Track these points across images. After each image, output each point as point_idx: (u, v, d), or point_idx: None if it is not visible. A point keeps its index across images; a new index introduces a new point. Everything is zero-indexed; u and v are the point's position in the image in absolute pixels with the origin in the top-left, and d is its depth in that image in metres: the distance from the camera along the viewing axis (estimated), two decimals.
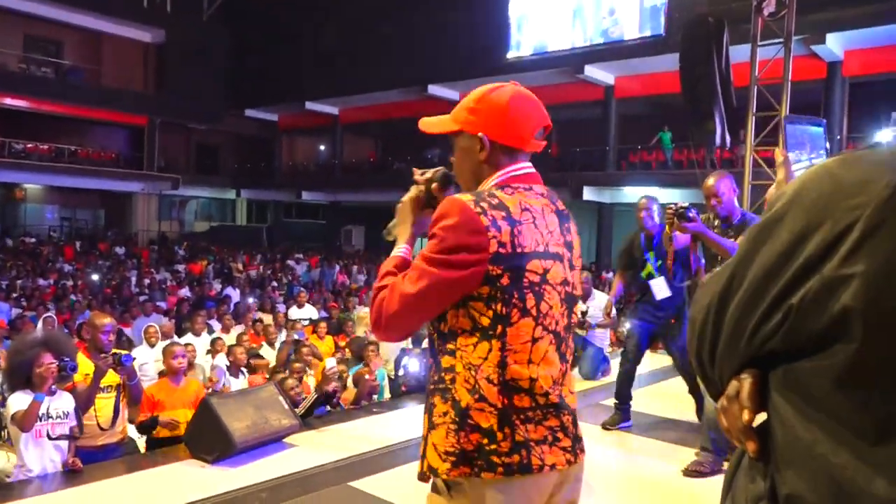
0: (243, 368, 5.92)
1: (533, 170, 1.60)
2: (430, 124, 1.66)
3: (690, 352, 0.93)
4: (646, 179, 18.58)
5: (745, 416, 0.81)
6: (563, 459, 1.49)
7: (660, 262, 4.42)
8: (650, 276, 4.46)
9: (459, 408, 1.44)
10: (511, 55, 20.05)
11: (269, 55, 25.78)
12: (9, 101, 23.25)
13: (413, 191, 1.66)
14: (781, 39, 8.16)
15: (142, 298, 11.58)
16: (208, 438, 3.92)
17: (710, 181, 3.78)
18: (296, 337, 7.67)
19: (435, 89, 22.34)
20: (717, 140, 7.95)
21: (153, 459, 4.05)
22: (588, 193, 19.59)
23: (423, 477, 1.52)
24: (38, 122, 24.94)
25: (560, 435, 1.49)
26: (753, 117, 8.46)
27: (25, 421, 3.65)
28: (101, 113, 25.69)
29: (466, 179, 1.62)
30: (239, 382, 5.71)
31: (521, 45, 20.00)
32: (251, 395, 4.31)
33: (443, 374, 1.49)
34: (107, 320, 4.30)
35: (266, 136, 30.07)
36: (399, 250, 1.61)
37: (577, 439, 1.55)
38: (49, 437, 3.74)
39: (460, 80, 21.72)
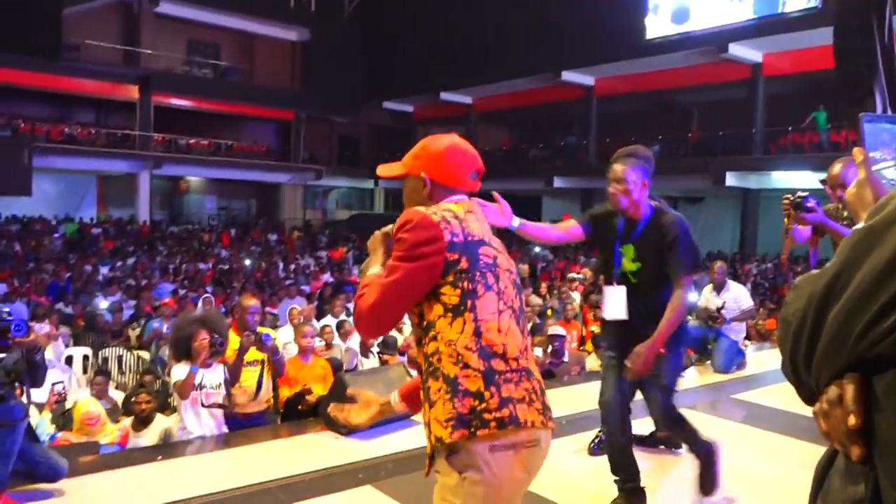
0: (373, 349, 6.21)
1: (467, 198, 1.89)
2: (386, 169, 1.96)
3: (784, 353, 0.91)
4: (798, 163, 17.30)
5: (852, 420, 0.79)
6: (539, 419, 1.66)
7: (638, 266, 3.06)
8: (609, 282, 3.18)
9: (449, 379, 1.63)
10: (650, 35, 19.32)
11: (404, 49, 26.49)
12: (175, 101, 25.58)
13: (381, 231, 1.90)
14: None
15: (288, 282, 12.41)
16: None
17: (837, 169, 3.42)
18: None
19: (569, 75, 22.00)
20: None
21: (293, 429, 4.38)
22: (731, 179, 18.55)
23: (431, 451, 1.68)
24: (199, 119, 27.23)
25: (534, 397, 1.68)
26: None
27: (184, 390, 4.11)
28: (254, 109, 27.63)
29: None
30: (370, 362, 6.01)
31: (661, 25, 19.21)
32: (381, 374, 4.54)
33: (430, 359, 1.69)
34: (252, 302, 4.69)
35: (403, 126, 30.97)
36: (373, 271, 1.79)
37: (546, 408, 1.72)
38: (202, 405, 4.17)
39: (595, 65, 21.25)
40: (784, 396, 5.15)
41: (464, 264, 1.68)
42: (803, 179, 15.76)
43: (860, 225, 0.83)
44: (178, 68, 26.41)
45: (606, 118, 23.21)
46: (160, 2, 23.90)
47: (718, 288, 6.42)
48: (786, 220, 3.38)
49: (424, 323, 1.71)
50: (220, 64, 27.78)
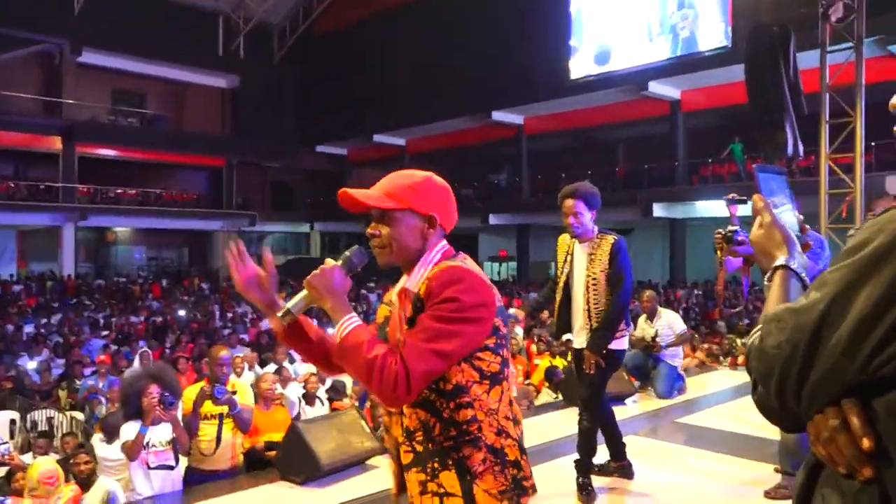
0: (320, 395, 6.13)
1: None
2: (366, 196, 1.69)
3: (766, 384, 0.93)
4: (719, 192, 18.00)
5: (866, 443, 0.83)
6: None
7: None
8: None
9: (495, 449, 1.58)
10: (575, 75, 20.10)
11: (336, 93, 26.68)
12: (100, 150, 24.90)
13: (330, 262, 1.69)
14: (852, 44, 7.97)
15: (226, 331, 12.12)
16: (297, 461, 4.13)
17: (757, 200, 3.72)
18: None
19: (499, 115, 22.58)
20: (790, 150, 7.77)
21: (249, 481, 4.28)
22: (658, 210, 19.30)
23: None
24: (127, 169, 26.56)
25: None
26: (827, 125, 8.26)
27: (133, 451, 3.98)
28: (183, 157, 27.17)
29: (408, 253, 1.69)
30: (315, 410, 5.93)
31: (584, 66, 20.02)
32: (335, 420, 4.50)
33: (464, 427, 1.56)
34: (223, 353, 4.52)
35: (337, 170, 30.97)
36: (354, 320, 1.59)
37: None
38: (148, 467, 4.03)
39: (523, 105, 21.90)
40: (725, 418, 5.37)
41: (503, 330, 1.63)
42: (725, 208, 16.52)
43: (847, 261, 0.87)
44: (102, 117, 25.79)
45: (537, 155, 23.85)
46: (83, 51, 23.40)
47: (651, 316, 6.64)
48: (718, 252, 3.62)
49: (450, 387, 1.57)
50: (146, 112, 27.28)
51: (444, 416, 1.57)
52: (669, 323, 6.57)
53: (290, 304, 1.70)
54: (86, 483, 4.20)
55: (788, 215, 1.29)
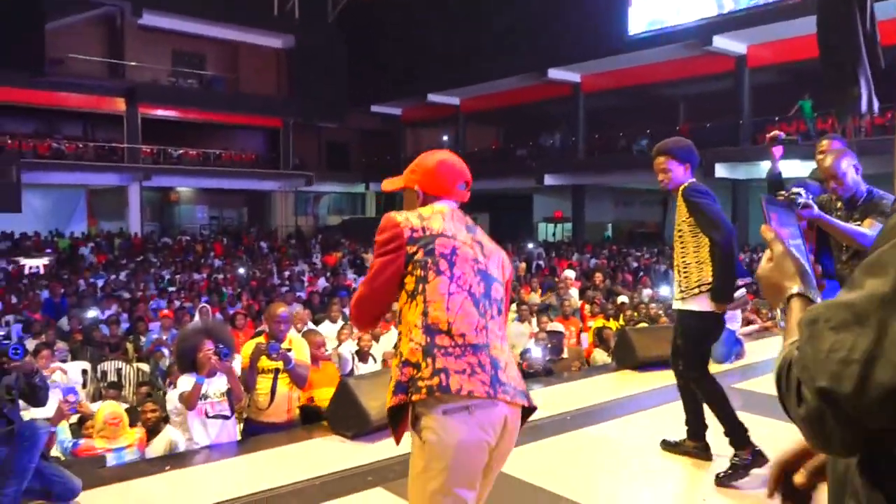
0: (373, 353, 6.22)
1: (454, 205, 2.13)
2: (389, 183, 2.23)
3: (837, 388, 0.78)
4: (786, 152, 17.41)
5: None
6: (481, 390, 1.82)
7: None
8: None
9: (402, 355, 1.90)
10: (633, 31, 19.43)
11: (390, 52, 26.52)
12: (161, 112, 25.51)
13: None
14: None
15: (283, 289, 12.40)
16: (347, 416, 4.22)
17: (828, 161, 3.48)
18: None
19: (555, 73, 22.09)
20: (863, 106, 7.34)
21: (301, 433, 4.40)
22: (721, 171, 18.68)
23: (389, 416, 1.93)
24: (187, 130, 27.16)
25: (478, 369, 1.84)
26: None
27: (190, 401, 4.13)
28: (241, 118, 27.60)
29: None
30: (367, 367, 6.02)
31: (642, 20, 19.31)
32: (385, 377, 4.56)
33: (397, 342, 1.98)
34: (281, 309, 4.58)
35: (391, 129, 30.98)
36: None
37: (498, 382, 1.86)
38: (206, 416, 4.19)
39: (580, 62, 21.36)
40: None
41: (419, 255, 1.92)
42: (792, 169, 15.87)
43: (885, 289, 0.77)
44: (163, 79, 26.34)
45: (594, 114, 23.31)
46: (143, 13, 23.83)
47: None
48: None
49: (399, 315, 1.96)
50: (205, 74, 27.72)
51: (399, 344, 1.95)
52: None
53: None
54: (153, 430, 4.36)
55: (799, 252, 1.19)
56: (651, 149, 3.60)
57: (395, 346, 2.00)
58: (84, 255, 19.84)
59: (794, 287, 1.07)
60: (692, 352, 3.47)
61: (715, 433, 3.53)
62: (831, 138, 4.10)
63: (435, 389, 1.79)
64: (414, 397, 1.80)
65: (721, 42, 18.02)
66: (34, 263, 17.80)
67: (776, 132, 3.79)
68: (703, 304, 3.35)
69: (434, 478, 1.79)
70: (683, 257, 3.44)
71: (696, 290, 3.37)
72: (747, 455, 3.28)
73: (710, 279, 3.32)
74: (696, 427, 3.65)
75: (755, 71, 18.91)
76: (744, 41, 18.25)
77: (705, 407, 3.50)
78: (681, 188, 3.42)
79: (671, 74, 20.51)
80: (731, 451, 3.36)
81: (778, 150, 3.99)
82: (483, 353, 1.87)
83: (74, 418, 4.83)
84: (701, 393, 3.46)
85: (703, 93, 21.51)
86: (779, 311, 1.01)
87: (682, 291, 3.45)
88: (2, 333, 3.36)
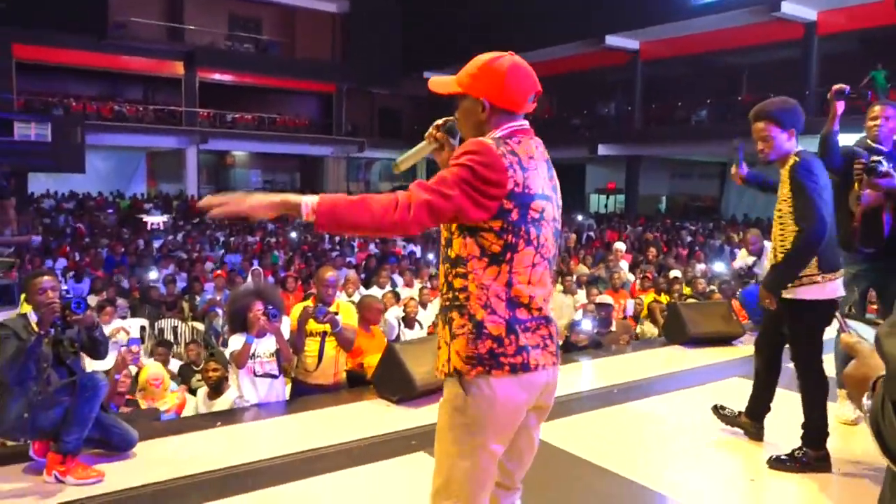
0: (420, 319, 6.26)
1: (528, 125, 1.85)
2: (438, 84, 1.92)
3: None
4: (856, 126, 16.64)
5: None
6: (550, 361, 1.83)
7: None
8: None
9: (476, 321, 1.76)
10: None
11: (443, 18, 26.20)
12: (218, 76, 25.89)
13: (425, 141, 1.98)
14: None
15: (334, 254, 12.56)
16: (393, 381, 4.27)
17: (876, 109, 3.35)
18: None
19: (613, 40, 21.50)
20: None
21: (347, 396, 4.48)
22: None
23: (447, 374, 1.82)
24: (243, 94, 27.52)
25: (549, 342, 1.83)
26: None
27: (240, 359, 4.24)
28: (295, 83, 27.79)
29: (468, 134, 1.87)
30: (414, 333, 6.06)
31: None
32: (431, 343, 4.59)
33: (457, 293, 1.78)
34: (329, 274, 4.62)
35: (444, 97, 30.71)
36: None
37: (558, 346, 1.89)
38: (255, 374, 4.29)
39: (640, 28, 20.72)
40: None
41: (514, 216, 1.73)
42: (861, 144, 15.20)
43: None
44: (220, 43, 26.67)
45: (651, 83, 22.65)
46: None
47: (758, 256, 6.41)
48: (855, 185, 3.27)
49: (454, 255, 1.79)
50: (261, 38, 27.94)
51: (448, 280, 1.81)
52: None
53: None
54: (217, 388, 4.41)
55: (867, 334, 1.20)
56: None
57: (454, 297, 1.79)
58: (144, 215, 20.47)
59: (881, 370, 1.09)
60: (804, 343, 3.18)
61: (772, 418, 3.45)
62: (885, 105, 3.86)
63: (518, 368, 1.75)
64: (495, 373, 1.74)
65: (790, 7, 17.20)
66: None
67: (842, 85, 3.57)
68: (813, 293, 3.08)
69: (476, 433, 1.77)
70: (783, 241, 3.11)
71: (806, 279, 3.06)
72: (814, 455, 3.14)
73: (816, 267, 3.04)
74: (759, 408, 3.49)
75: (824, 39, 18.02)
76: (814, 7, 17.39)
77: (778, 392, 3.35)
78: (789, 162, 3.07)
79: (735, 42, 19.71)
80: (784, 438, 3.27)
81: (841, 106, 3.76)
82: (553, 324, 1.85)
83: (134, 369, 4.99)
84: (805, 383, 3.20)
85: (767, 62, 20.64)
86: (865, 404, 0.99)
87: None
88: (65, 288, 3.49)
